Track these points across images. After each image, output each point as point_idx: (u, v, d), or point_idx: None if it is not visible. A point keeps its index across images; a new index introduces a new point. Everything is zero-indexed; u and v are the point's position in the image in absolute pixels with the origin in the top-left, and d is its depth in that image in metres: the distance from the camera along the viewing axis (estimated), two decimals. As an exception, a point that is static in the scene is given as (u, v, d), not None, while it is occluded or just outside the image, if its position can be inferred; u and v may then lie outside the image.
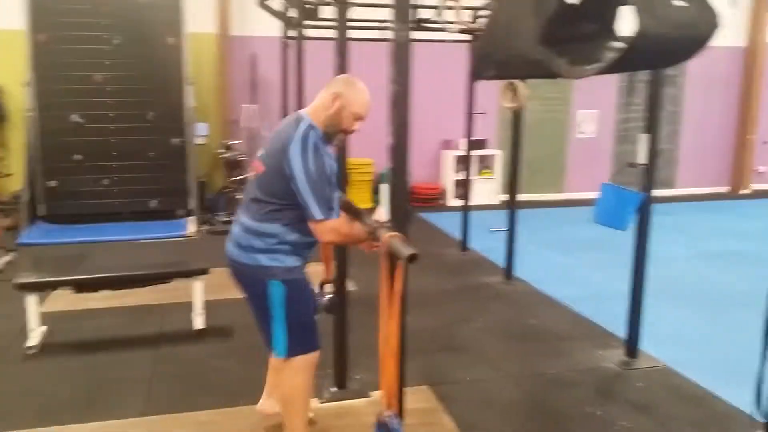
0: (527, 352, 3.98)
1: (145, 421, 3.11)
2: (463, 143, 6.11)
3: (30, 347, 3.88)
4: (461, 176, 6.42)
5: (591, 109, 9.60)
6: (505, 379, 3.60)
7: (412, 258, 1.77)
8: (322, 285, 2.95)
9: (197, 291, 4.21)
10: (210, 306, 4.27)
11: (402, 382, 2.18)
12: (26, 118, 7.13)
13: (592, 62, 1.32)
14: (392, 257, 1.95)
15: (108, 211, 7.42)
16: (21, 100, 7.32)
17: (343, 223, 2.39)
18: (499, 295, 5.09)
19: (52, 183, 7.21)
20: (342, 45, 2.78)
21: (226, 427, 3.07)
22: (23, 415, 3.17)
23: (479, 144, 9.02)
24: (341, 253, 3.14)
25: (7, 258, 5.83)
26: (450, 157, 9.05)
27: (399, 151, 2.00)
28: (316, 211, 2.28)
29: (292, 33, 3.87)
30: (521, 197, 9.08)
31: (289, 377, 2.61)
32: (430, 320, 4.49)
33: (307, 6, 3.45)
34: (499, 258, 5.57)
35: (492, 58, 1.69)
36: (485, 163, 9.35)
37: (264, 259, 2.46)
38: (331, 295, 3.01)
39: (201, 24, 7.96)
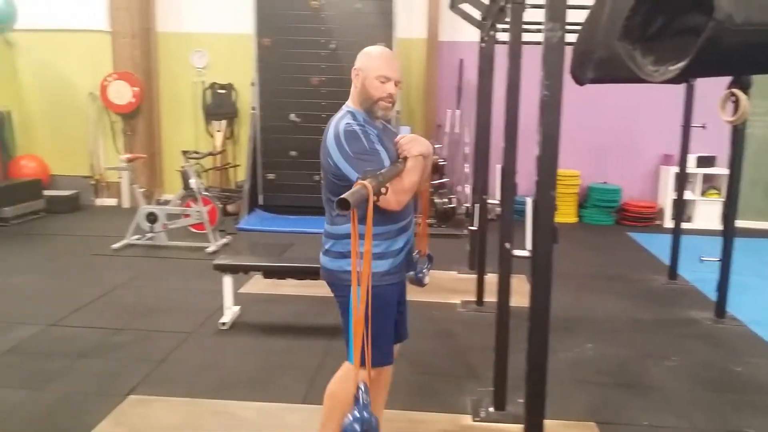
0: (723, 404, 3.42)
1: (303, 408, 3.23)
2: (688, 159, 5.44)
3: (222, 323, 4.27)
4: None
5: None
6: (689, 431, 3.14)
7: (339, 203, 1.51)
8: (417, 256, 2.66)
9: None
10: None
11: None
12: (251, 115, 7.93)
13: (680, 61, 1.02)
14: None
15: (317, 205, 7.92)
16: (248, 98, 8.16)
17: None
18: (705, 333, 4.46)
19: (271, 175, 7.93)
20: (515, 48, 2.62)
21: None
22: (204, 385, 3.48)
23: (707, 161, 8.08)
24: (505, 263, 2.95)
25: (224, 240, 6.51)
26: (670, 173, 8.17)
27: (546, 164, 1.80)
28: (353, 176, 2.13)
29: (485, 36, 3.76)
30: (756, 224, 7.97)
31: (348, 380, 2.35)
32: (615, 351, 4.09)
33: (493, 8, 3.33)
34: (713, 291, 4.89)
35: (591, 56, 1.42)
36: (712, 183, 8.35)
37: (345, 264, 2.33)
38: (425, 269, 2.68)
39: (411, 29, 8.16)
